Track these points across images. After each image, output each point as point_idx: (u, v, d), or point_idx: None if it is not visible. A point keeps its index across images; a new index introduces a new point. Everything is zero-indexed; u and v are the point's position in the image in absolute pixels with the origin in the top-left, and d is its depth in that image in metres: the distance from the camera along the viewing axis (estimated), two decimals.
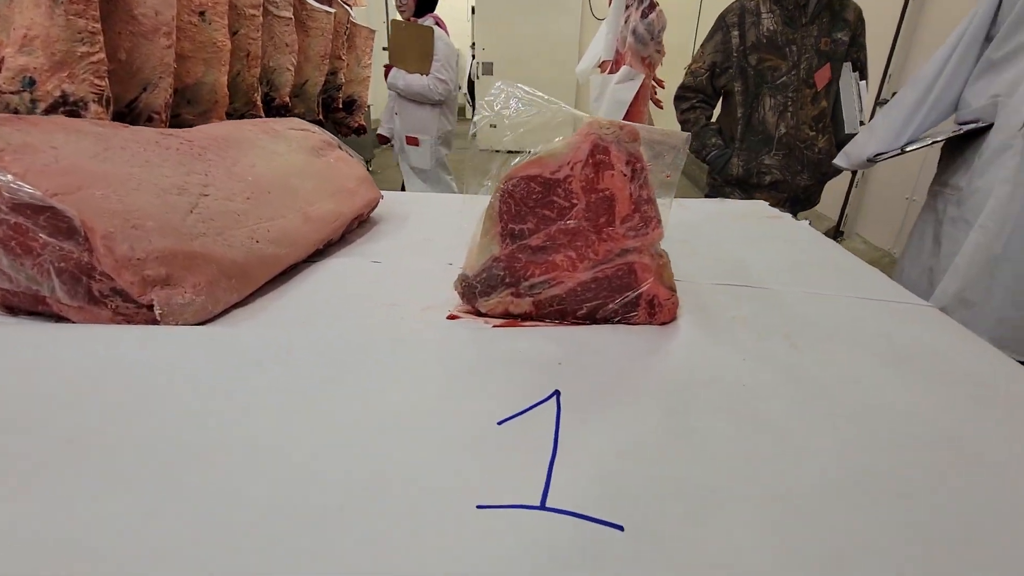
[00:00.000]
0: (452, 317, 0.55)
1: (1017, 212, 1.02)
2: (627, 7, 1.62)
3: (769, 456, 0.36)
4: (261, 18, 1.73)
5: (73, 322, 0.49)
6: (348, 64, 2.50)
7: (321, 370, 0.45)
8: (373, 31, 2.33)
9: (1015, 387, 0.46)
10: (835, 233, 3.23)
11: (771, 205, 1.10)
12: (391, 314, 0.56)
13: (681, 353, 0.49)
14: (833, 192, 3.09)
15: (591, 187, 0.49)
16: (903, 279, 1.23)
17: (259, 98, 1.85)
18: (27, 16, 0.94)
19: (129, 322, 0.49)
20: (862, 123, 1.65)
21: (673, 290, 0.53)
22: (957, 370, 0.49)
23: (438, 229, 0.86)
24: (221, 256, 0.53)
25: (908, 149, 1.24)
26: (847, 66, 1.62)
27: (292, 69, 2.02)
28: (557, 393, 0.43)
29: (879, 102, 2.88)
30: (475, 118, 0.51)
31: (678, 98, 1.77)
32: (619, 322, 0.54)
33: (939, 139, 1.20)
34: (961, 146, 1.18)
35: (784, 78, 1.59)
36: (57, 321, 0.50)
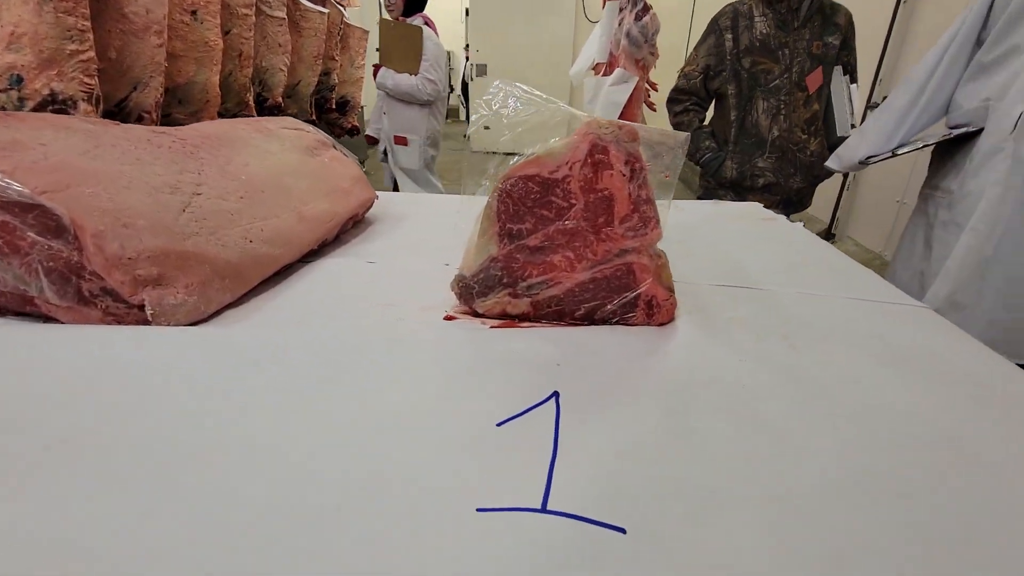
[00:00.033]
0: (449, 318, 0.55)
1: (1008, 215, 1.03)
2: (621, 10, 1.63)
3: (769, 456, 0.36)
4: (254, 18, 1.72)
5: (62, 323, 0.48)
6: (341, 65, 2.49)
7: (317, 371, 0.44)
8: (367, 32, 2.32)
9: (1011, 387, 0.47)
10: (826, 235, 3.26)
11: (764, 207, 1.10)
12: (387, 315, 0.55)
13: (680, 354, 0.49)
14: (824, 195, 3.12)
15: (590, 187, 0.49)
16: (895, 282, 1.24)
17: (251, 98, 1.83)
18: (14, 13, 0.93)
19: (119, 323, 0.48)
20: (853, 126, 1.67)
21: (671, 291, 0.53)
22: (954, 370, 0.49)
23: (433, 230, 0.85)
24: (214, 256, 0.53)
25: (899, 152, 1.25)
26: (838, 69, 1.63)
27: (285, 69, 2.01)
28: (556, 394, 0.42)
29: (870, 105, 2.92)
30: (472, 117, 0.50)
31: (671, 100, 1.78)
32: (617, 323, 0.54)
33: (930, 143, 1.22)
34: (952, 149, 1.19)
35: (777, 81, 1.60)
36: (45, 322, 0.49)
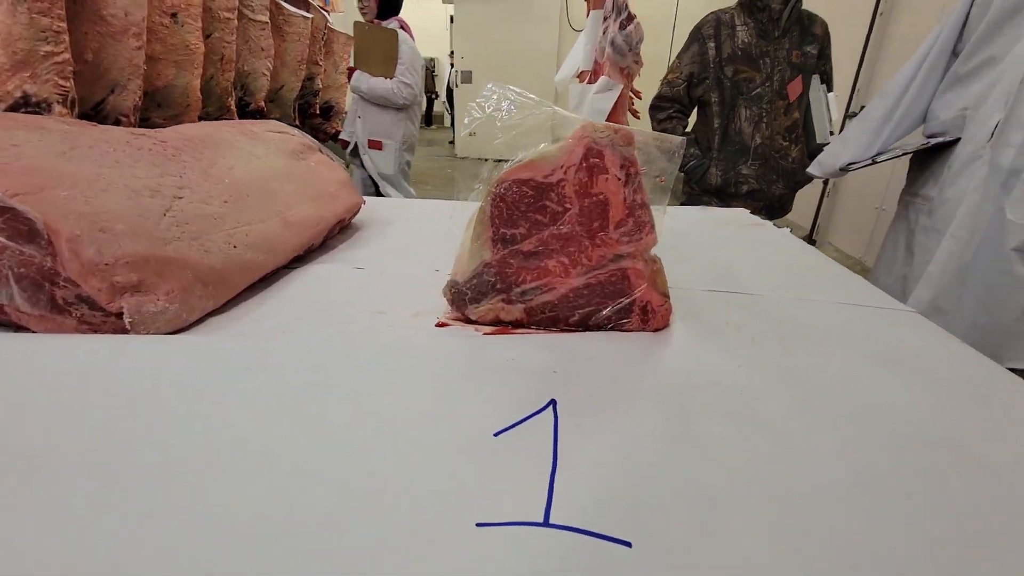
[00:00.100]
0: (441, 324, 0.54)
1: (986, 221, 1.06)
2: (605, 19, 1.64)
3: (773, 461, 0.36)
4: (236, 21, 1.69)
5: (34, 332, 0.46)
6: (325, 70, 2.47)
7: (306, 380, 0.42)
8: (351, 37, 2.30)
9: (1000, 389, 0.47)
10: (808, 241, 3.32)
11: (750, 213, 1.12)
12: (378, 321, 0.54)
13: (676, 359, 0.48)
14: (805, 202, 3.18)
15: (584, 191, 0.48)
16: (877, 287, 1.26)
17: (233, 103, 1.80)
18: None
19: (96, 332, 0.46)
20: (832, 133, 1.70)
21: (666, 296, 0.53)
22: (945, 372, 0.49)
23: (422, 235, 0.84)
24: (197, 261, 0.51)
25: (879, 159, 1.28)
26: (816, 78, 1.67)
27: (268, 74, 1.98)
28: (553, 402, 0.41)
29: (848, 115, 2.99)
30: (465, 120, 0.49)
31: (654, 108, 1.79)
32: (612, 329, 0.54)
33: (908, 151, 1.24)
34: (930, 157, 1.21)
35: (759, 90, 1.62)
36: (16, 331, 0.47)
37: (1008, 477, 0.36)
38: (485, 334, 0.52)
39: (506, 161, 0.49)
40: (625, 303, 0.52)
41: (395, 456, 0.35)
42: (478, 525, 0.30)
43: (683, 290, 0.63)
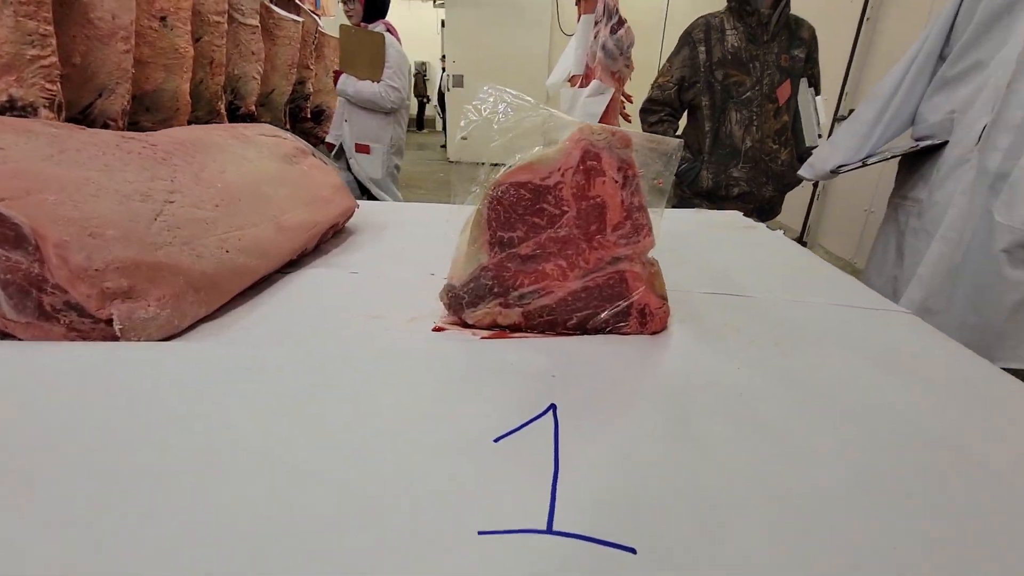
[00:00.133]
0: (438, 329, 0.53)
1: (975, 223, 1.07)
2: (596, 23, 1.65)
3: (776, 463, 0.35)
4: (226, 25, 1.68)
5: (20, 340, 0.45)
6: (316, 74, 2.46)
7: (301, 387, 0.42)
8: None
9: (996, 389, 0.47)
10: (798, 243, 3.35)
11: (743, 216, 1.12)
12: (374, 326, 0.53)
13: (675, 362, 0.48)
14: (796, 204, 3.21)
15: (582, 194, 0.48)
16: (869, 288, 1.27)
17: (223, 106, 1.79)
18: None
19: (85, 339, 0.45)
20: (820, 136, 1.72)
21: (665, 299, 0.52)
22: (942, 373, 0.49)
23: (416, 239, 0.83)
24: (188, 267, 0.50)
25: (869, 162, 1.29)
26: (804, 82, 1.69)
27: (258, 78, 1.97)
28: (553, 407, 0.41)
29: (837, 118, 3.02)
30: (461, 123, 0.49)
31: (645, 111, 1.80)
32: (610, 332, 0.53)
33: (897, 153, 1.26)
34: (919, 160, 1.23)
35: (749, 93, 1.64)
36: (1, 339, 0.45)
37: (1008, 478, 0.36)
38: (482, 338, 0.52)
39: (502, 165, 0.48)
40: (623, 306, 0.52)
41: (394, 461, 0.34)
42: (480, 533, 0.29)
43: (680, 292, 0.63)
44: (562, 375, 0.45)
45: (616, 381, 0.45)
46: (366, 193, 2.48)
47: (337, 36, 2.25)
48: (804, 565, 0.28)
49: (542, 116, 0.49)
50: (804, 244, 3.36)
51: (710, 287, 0.67)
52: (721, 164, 1.70)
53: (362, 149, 2.40)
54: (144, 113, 1.43)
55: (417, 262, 0.71)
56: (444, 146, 7.14)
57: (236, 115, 1.79)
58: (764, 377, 0.46)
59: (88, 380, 0.40)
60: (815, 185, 3.24)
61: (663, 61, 1.77)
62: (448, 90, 6.27)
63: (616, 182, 0.47)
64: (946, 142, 1.13)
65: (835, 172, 1.34)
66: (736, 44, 1.61)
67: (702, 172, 1.72)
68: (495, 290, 0.51)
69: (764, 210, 1.78)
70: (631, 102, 1.80)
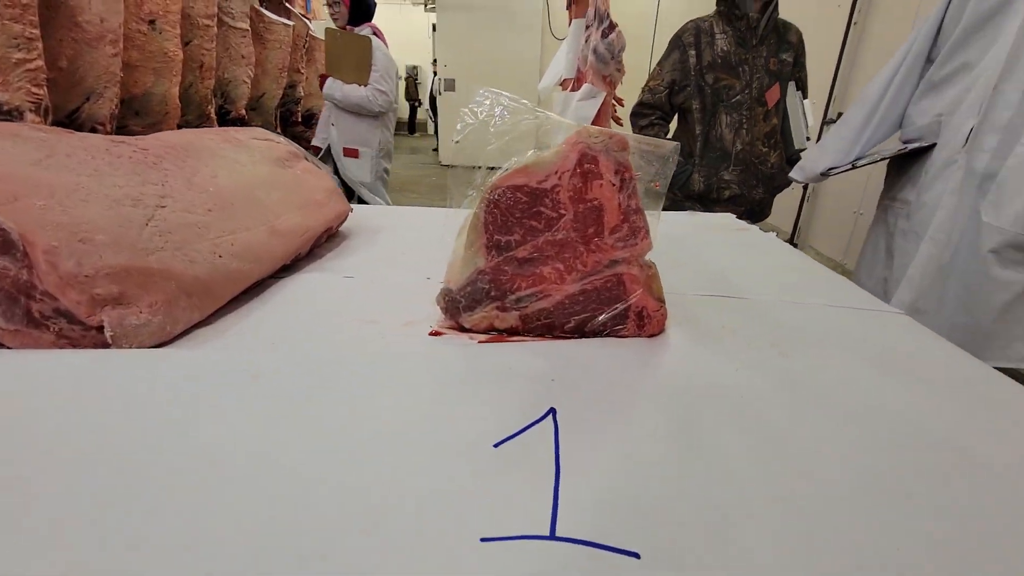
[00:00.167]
0: (435, 333, 0.53)
1: (963, 224, 1.09)
2: (587, 27, 1.66)
3: (779, 464, 0.35)
4: (215, 28, 1.67)
5: (9, 348, 0.44)
6: (307, 77, 2.45)
7: (297, 393, 0.41)
8: None
9: (992, 388, 0.48)
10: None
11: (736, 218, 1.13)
12: (370, 331, 0.53)
13: (674, 364, 0.48)
14: (786, 206, 3.24)
15: (579, 197, 0.48)
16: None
17: (213, 110, 1.78)
18: None
19: (75, 347, 0.44)
20: (808, 139, 1.74)
21: (662, 301, 0.52)
22: (941, 373, 0.50)
23: (411, 243, 0.83)
24: (181, 272, 0.49)
25: (858, 164, 1.30)
26: (792, 85, 1.70)
27: (248, 81, 1.96)
28: (553, 411, 0.41)
29: (826, 121, 3.06)
30: (458, 126, 0.49)
31: (636, 114, 1.81)
32: (608, 335, 0.53)
33: (886, 155, 1.27)
34: (907, 162, 1.24)
35: (738, 97, 1.65)
36: None
37: (1010, 478, 0.36)
38: (480, 342, 0.51)
39: (499, 168, 0.48)
40: (621, 309, 0.52)
41: (394, 466, 0.34)
42: (482, 540, 0.29)
43: (676, 295, 0.63)
44: (561, 379, 0.45)
45: (615, 384, 0.45)
46: (355, 197, 2.46)
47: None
48: (809, 567, 0.28)
49: (539, 119, 0.49)
50: (795, 246, 3.39)
51: (706, 289, 0.67)
52: (712, 167, 1.71)
53: (350, 153, 2.38)
54: (133, 117, 1.41)
55: (412, 266, 0.70)
56: (436, 150, 7.14)
57: (226, 119, 1.78)
58: (764, 379, 0.46)
59: (79, 387, 0.39)
60: (805, 187, 3.28)
61: (653, 65, 1.78)
62: (440, 94, 6.27)
63: (613, 185, 0.47)
64: (934, 144, 1.15)
65: (825, 174, 1.35)
66: (726, 48, 1.62)
67: (693, 175, 1.73)
68: (492, 294, 0.51)
69: (754, 212, 1.79)
70: (622, 105, 1.81)
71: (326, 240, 0.80)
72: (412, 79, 10.61)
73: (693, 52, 1.65)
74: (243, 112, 1.86)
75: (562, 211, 0.48)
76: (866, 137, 1.28)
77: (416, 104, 10.91)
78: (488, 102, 0.49)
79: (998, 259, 1.04)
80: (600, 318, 0.52)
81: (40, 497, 0.30)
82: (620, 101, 1.77)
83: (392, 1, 8.62)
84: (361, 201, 2.45)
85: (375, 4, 2.36)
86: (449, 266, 0.54)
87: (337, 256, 0.75)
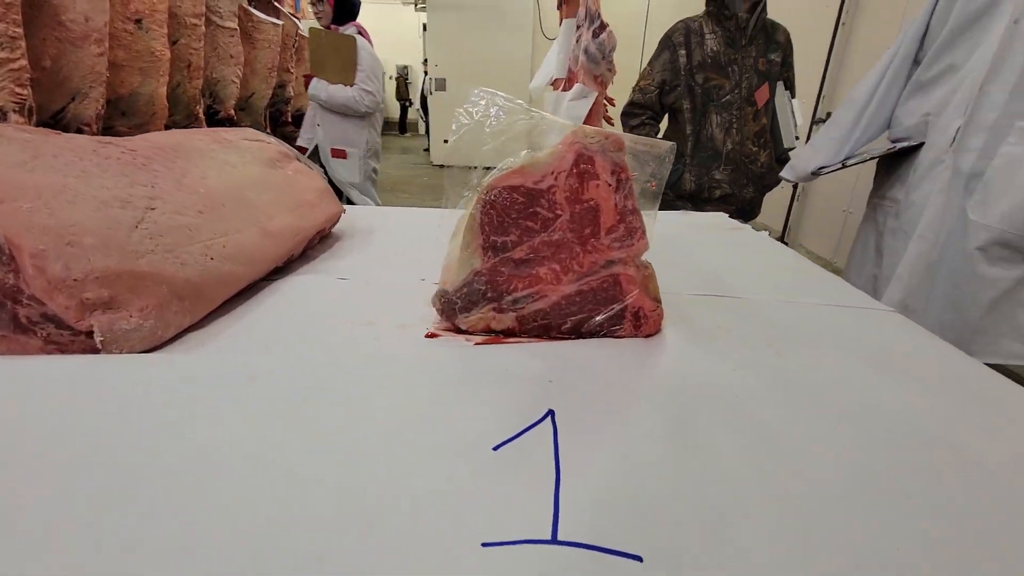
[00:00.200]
0: (431, 335, 0.52)
1: (950, 222, 1.10)
2: (578, 27, 1.66)
3: (779, 466, 0.35)
4: (203, 28, 1.65)
5: None
6: (296, 77, 2.42)
7: (293, 396, 0.40)
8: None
9: (986, 386, 0.48)
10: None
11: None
12: (365, 333, 0.52)
13: (671, 364, 0.48)
14: (776, 205, 3.27)
15: (575, 197, 0.48)
16: None
17: (202, 111, 1.76)
18: None
19: (63, 352, 0.43)
20: (797, 138, 1.75)
21: (658, 301, 0.52)
22: (936, 371, 0.50)
23: (405, 243, 0.82)
24: (172, 275, 0.48)
25: (848, 163, 1.32)
26: (780, 85, 1.71)
27: (237, 81, 1.94)
28: (551, 413, 0.40)
29: (815, 121, 3.08)
30: (453, 126, 0.48)
31: (626, 114, 1.81)
32: (604, 335, 0.53)
33: (875, 155, 1.28)
34: (896, 162, 1.26)
35: (728, 96, 1.66)
36: None
37: (1006, 476, 0.36)
38: (476, 344, 0.51)
39: (491, 168, 0.48)
40: (617, 309, 0.52)
41: (392, 471, 0.33)
42: (484, 545, 0.29)
43: (671, 295, 0.63)
44: (559, 380, 0.45)
45: (613, 385, 0.45)
46: (343, 198, 2.44)
47: None
48: (807, 567, 0.28)
49: (534, 119, 0.49)
50: (785, 244, 3.43)
51: (700, 289, 0.67)
52: (703, 167, 1.71)
53: (338, 154, 2.36)
54: (119, 118, 1.39)
55: (406, 267, 0.70)
56: (427, 150, 7.12)
57: (215, 119, 1.76)
58: (760, 378, 0.46)
59: (72, 391, 0.39)
60: (795, 186, 3.30)
61: (644, 65, 1.79)
62: (431, 94, 6.25)
63: (609, 185, 0.47)
64: (922, 144, 1.16)
65: (816, 174, 1.37)
66: (715, 48, 1.63)
67: (685, 175, 1.74)
68: (489, 295, 0.51)
69: (745, 211, 1.81)
70: (613, 105, 1.81)
71: (319, 241, 0.79)
72: (403, 79, 10.57)
73: (683, 52, 1.65)
74: (232, 112, 1.84)
75: (558, 211, 0.48)
76: (855, 137, 1.30)
77: (407, 104, 10.87)
78: (484, 102, 0.49)
79: (985, 257, 1.06)
80: (597, 319, 0.52)
81: (35, 501, 0.29)
82: (611, 101, 1.76)
83: (382, 0, 8.60)
84: (350, 202, 2.43)
85: (360, 3, 2.33)
86: (444, 267, 0.54)
87: (330, 258, 0.75)
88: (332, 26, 2.25)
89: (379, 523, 0.30)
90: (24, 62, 0.98)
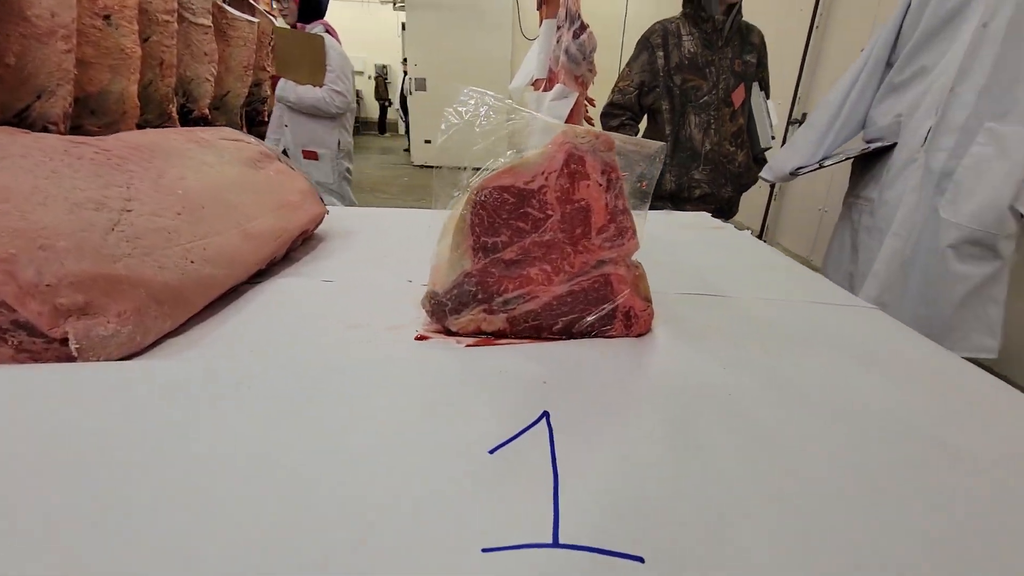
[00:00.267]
0: (421, 338, 0.52)
1: (922, 220, 1.13)
2: (558, 28, 1.66)
3: (776, 465, 0.36)
4: (176, 24, 1.61)
5: None
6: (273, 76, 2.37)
7: (281, 402, 0.39)
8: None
9: (969, 380, 0.49)
10: None
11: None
12: (353, 336, 0.51)
13: (663, 364, 0.48)
14: (754, 204, 3.33)
15: (566, 198, 0.47)
16: None
17: (175, 109, 1.71)
18: None
19: (36, 361, 0.41)
20: (773, 138, 1.79)
21: (649, 301, 0.53)
22: (917, 367, 0.51)
23: (390, 244, 0.81)
24: (151, 279, 0.47)
25: (825, 164, 1.35)
26: (755, 86, 1.75)
27: (211, 79, 1.89)
28: (546, 414, 0.40)
29: (791, 122, 3.15)
30: (442, 126, 0.48)
31: (606, 115, 1.82)
32: (595, 336, 0.53)
33: (851, 155, 1.32)
34: (870, 161, 1.29)
35: (706, 97, 1.68)
36: None
37: (1001, 473, 0.37)
38: (467, 346, 0.50)
39: (479, 169, 0.48)
40: (608, 309, 0.51)
41: (390, 473, 0.33)
42: (484, 550, 0.28)
43: (658, 294, 0.63)
44: (552, 381, 0.45)
45: (606, 385, 0.45)
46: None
47: None
48: (807, 567, 0.28)
49: (525, 119, 0.48)
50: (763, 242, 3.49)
51: (687, 288, 0.68)
52: (683, 167, 1.73)
53: (310, 156, 2.30)
54: (88, 116, 1.34)
55: (393, 268, 0.69)
56: (408, 150, 7.06)
57: (189, 118, 1.71)
58: (751, 377, 0.47)
59: (45, 405, 0.37)
60: (772, 186, 3.37)
61: (623, 66, 1.80)
62: (411, 93, 6.21)
63: (600, 185, 0.47)
64: (895, 144, 1.19)
65: (794, 174, 1.39)
66: (692, 50, 1.65)
67: (665, 175, 1.76)
68: (479, 296, 0.50)
69: (723, 210, 1.83)
70: (594, 106, 1.82)
71: (302, 243, 0.77)
72: (382, 79, 10.47)
73: (661, 53, 1.67)
74: (206, 111, 1.79)
75: (549, 212, 0.48)
76: (831, 138, 1.33)
77: (386, 104, 10.77)
78: (473, 101, 0.48)
79: (956, 254, 1.09)
80: (588, 319, 0.52)
81: (32, 504, 0.28)
82: (591, 101, 1.78)
83: None
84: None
85: (327, 0, 2.28)
86: (433, 269, 0.53)
87: (314, 259, 0.73)
88: (299, 24, 2.19)
89: (377, 525, 0.29)
90: None
